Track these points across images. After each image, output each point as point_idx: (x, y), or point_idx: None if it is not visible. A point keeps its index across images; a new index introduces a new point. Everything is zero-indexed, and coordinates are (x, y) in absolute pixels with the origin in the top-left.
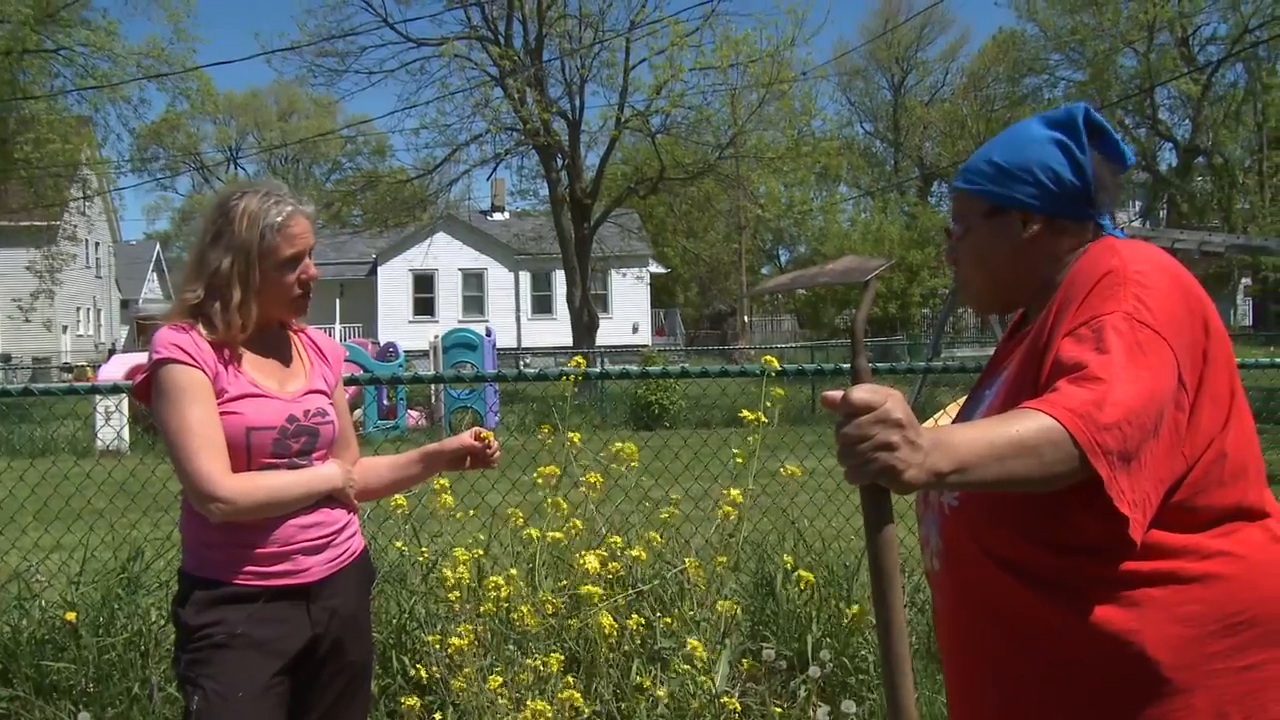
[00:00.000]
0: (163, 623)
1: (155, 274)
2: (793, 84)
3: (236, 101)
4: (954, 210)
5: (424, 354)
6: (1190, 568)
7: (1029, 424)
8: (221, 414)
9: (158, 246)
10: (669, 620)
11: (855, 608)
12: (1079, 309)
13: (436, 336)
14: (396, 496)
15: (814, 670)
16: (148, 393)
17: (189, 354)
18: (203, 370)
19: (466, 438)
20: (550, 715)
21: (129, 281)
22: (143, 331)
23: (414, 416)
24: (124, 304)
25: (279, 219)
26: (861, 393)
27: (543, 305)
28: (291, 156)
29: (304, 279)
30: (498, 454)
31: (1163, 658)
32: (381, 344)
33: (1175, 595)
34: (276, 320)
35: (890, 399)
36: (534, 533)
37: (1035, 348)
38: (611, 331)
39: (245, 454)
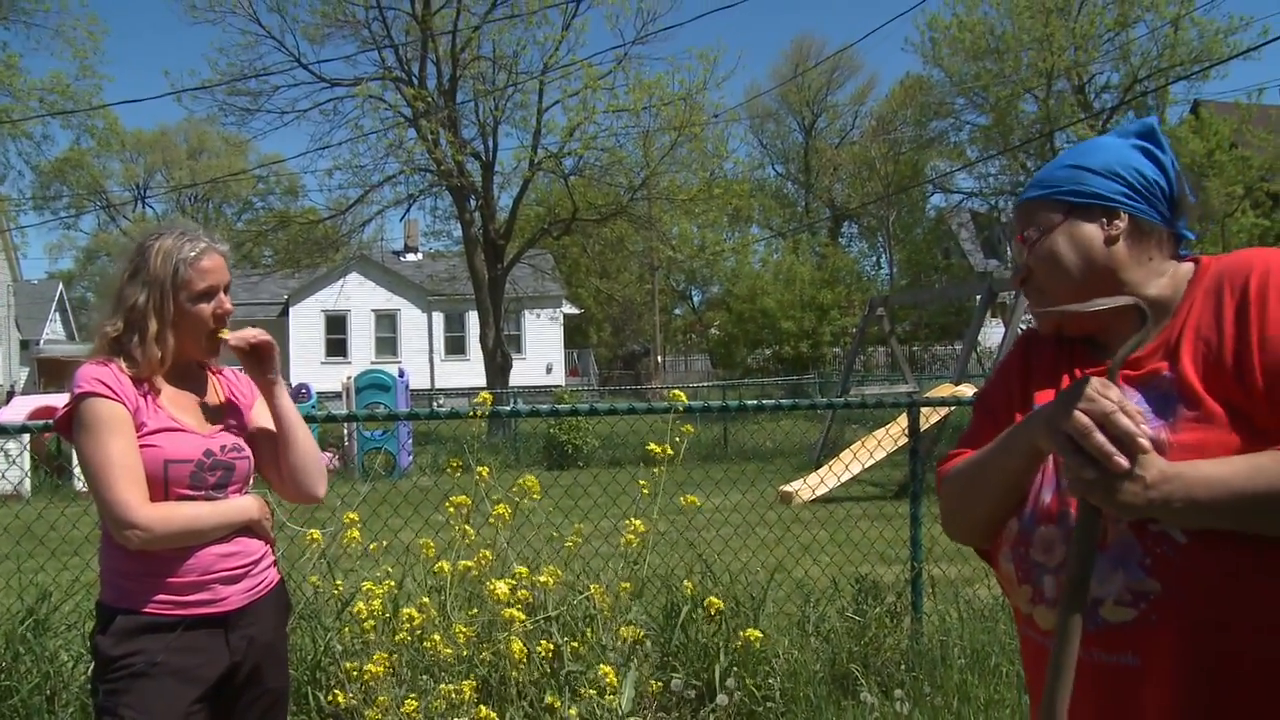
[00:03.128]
0: (71, 665)
1: (58, 314)
2: (705, 126)
3: (144, 139)
4: (1022, 224)
5: (336, 395)
6: None
7: None
8: (141, 447)
9: (61, 286)
10: (576, 645)
11: (754, 631)
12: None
13: (349, 378)
14: (312, 530)
15: (722, 698)
16: (69, 426)
17: (110, 388)
18: (123, 404)
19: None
20: None
21: (29, 321)
22: (44, 373)
23: (326, 458)
24: (24, 344)
25: (192, 254)
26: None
27: (456, 346)
28: (201, 195)
29: (219, 313)
30: (252, 334)
31: None
32: (293, 385)
33: None
34: (194, 359)
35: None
36: (445, 566)
37: (1218, 352)
38: (525, 372)
39: (163, 486)
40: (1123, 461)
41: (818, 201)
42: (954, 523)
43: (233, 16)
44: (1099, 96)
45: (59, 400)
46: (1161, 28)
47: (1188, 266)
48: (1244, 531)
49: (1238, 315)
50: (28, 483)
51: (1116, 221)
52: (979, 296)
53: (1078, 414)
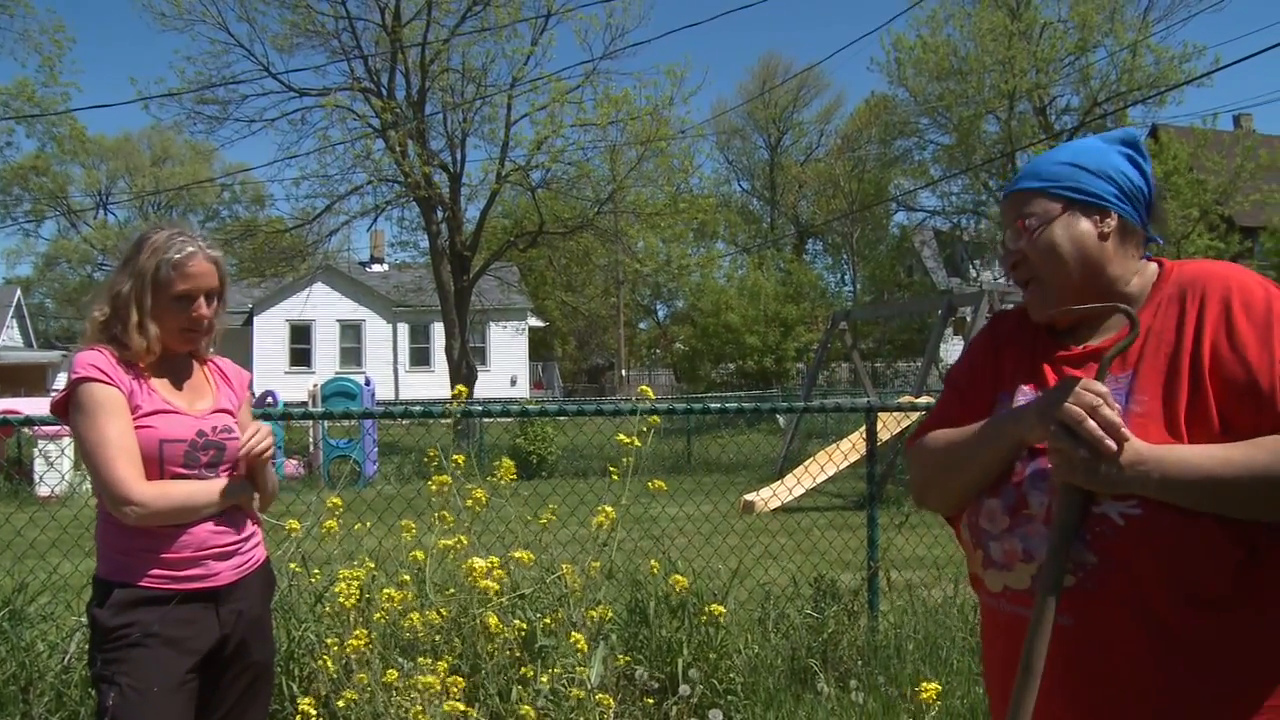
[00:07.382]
0: (46, 655)
1: (15, 320)
2: (671, 142)
3: (107, 145)
4: (1019, 213)
5: (302, 404)
6: None
7: None
8: (136, 428)
9: (18, 292)
10: (549, 620)
11: (719, 607)
12: (1239, 318)
13: (315, 385)
14: (290, 522)
15: (684, 689)
16: (66, 409)
17: (105, 373)
18: (118, 388)
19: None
20: (438, 686)
21: None
22: (2, 379)
23: (292, 465)
24: None
25: (178, 255)
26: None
27: (420, 357)
28: (165, 203)
29: (194, 316)
30: (258, 440)
31: None
32: (258, 394)
33: None
34: (175, 351)
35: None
36: (420, 555)
37: (1176, 354)
38: (490, 384)
39: (158, 465)
40: (1111, 445)
41: (783, 218)
42: (928, 493)
43: (201, 25)
44: (1059, 118)
45: (16, 404)
46: (1120, 53)
47: (1153, 267)
48: (1183, 515)
49: (1198, 327)
50: None
51: (1108, 220)
52: (939, 311)
53: (1070, 405)
